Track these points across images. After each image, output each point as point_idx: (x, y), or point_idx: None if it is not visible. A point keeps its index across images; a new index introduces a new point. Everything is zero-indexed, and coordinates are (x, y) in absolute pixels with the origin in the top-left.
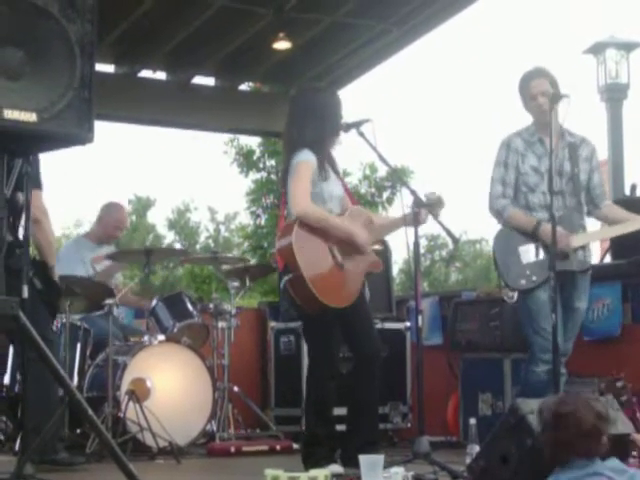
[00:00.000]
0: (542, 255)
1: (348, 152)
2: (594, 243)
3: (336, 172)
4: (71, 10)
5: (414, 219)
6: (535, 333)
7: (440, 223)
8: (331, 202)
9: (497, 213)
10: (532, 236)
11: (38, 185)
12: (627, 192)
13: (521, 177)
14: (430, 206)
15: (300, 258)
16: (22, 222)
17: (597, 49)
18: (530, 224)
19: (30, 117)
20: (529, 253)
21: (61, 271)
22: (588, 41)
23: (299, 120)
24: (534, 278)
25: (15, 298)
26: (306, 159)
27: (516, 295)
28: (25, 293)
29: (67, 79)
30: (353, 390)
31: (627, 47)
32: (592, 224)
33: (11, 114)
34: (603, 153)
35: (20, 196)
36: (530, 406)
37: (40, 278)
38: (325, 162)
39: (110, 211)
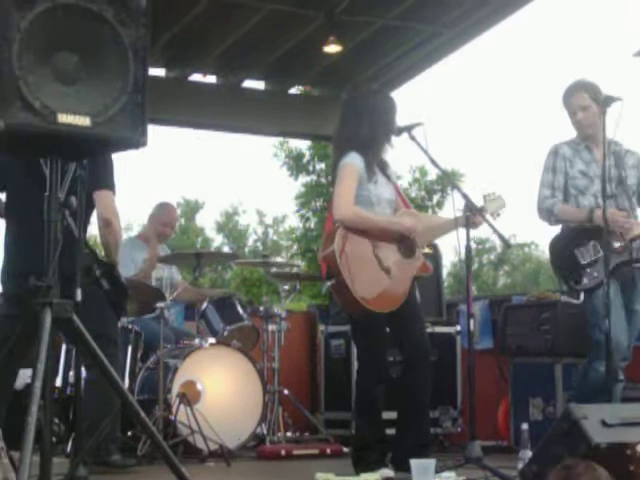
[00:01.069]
0: (600, 252)
1: (398, 155)
2: None
3: (387, 176)
4: (125, 14)
5: (467, 222)
6: (601, 332)
7: (493, 227)
8: (379, 205)
9: (547, 212)
10: (586, 231)
11: (111, 187)
12: None
13: (570, 181)
14: (484, 209)
15: (342, 263)
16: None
17: None
18: (582, 213)
19: (84, 121)
20: (586, 254)
21: None
22: (638, 44)
23: (352, 121)
24: (595, 274)
25: (69, 301)
26: (351, 162)
27: (582, 296)
28: (78, 296)
29: (121, 83)
30: (403, 393)
31: None
32: None
33: (65, 118)
34: None
35: (74, 200)
36: (583, 411)
37: (108, 279)
38: (374, 165)
39: (160, 209)
